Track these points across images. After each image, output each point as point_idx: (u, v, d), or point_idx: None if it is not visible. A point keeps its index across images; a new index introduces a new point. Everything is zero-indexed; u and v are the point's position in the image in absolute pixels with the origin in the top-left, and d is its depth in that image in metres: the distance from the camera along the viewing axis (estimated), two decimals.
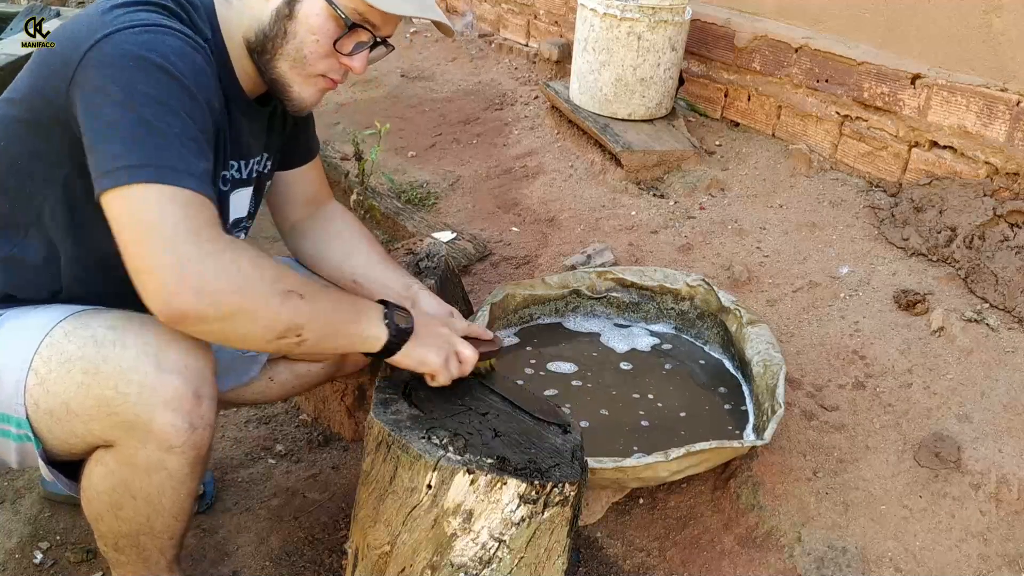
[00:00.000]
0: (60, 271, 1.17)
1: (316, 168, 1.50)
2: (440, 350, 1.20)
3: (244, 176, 1.29)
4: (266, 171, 1.36)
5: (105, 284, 1.17)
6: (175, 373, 1.06)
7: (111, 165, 0.97)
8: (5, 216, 1.15)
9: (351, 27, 1.13)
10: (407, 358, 1.17)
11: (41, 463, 1.13)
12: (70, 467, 1.17)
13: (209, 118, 1.07)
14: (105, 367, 1.05)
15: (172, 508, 1.15)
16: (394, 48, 1.24)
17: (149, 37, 1.01)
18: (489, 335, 1.33)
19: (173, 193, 0.97)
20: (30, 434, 1.10)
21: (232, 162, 1.25)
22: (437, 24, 1.23)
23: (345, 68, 1.19)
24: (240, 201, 1.31)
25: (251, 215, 1.37)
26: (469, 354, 1.23)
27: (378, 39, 1.18)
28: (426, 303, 1.39)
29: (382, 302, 1.18)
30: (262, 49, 1.15)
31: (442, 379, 1.21)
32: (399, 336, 1.15)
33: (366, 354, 1.16)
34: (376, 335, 1.14)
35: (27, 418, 1.08)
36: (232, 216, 1.31)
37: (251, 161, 1.30)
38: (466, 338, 1.26)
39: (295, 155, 1.45)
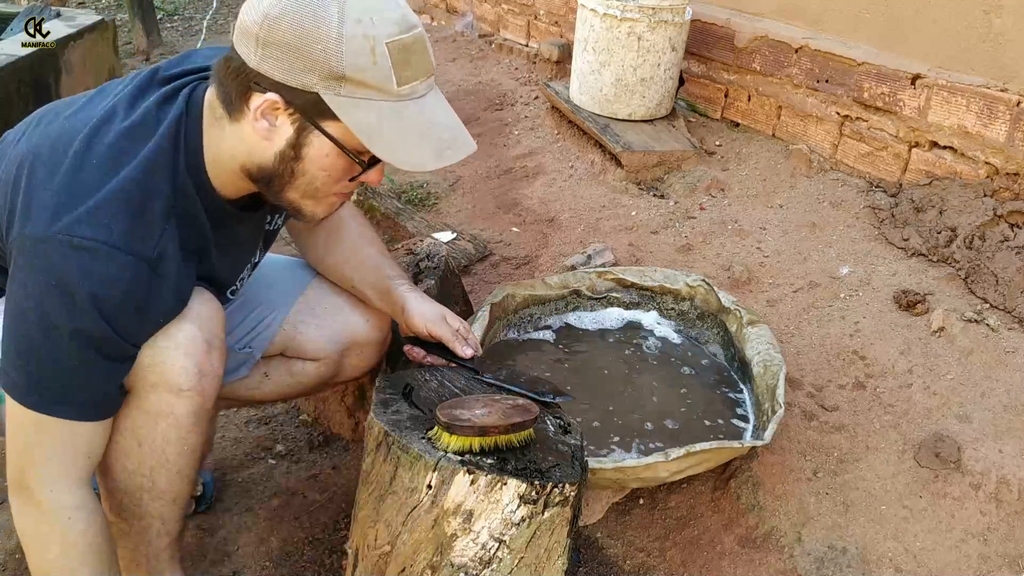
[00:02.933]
0: None
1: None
2: None
3: (258, 258, 1.34)
4: (276, 226, 1.39)
5: None
6: (187, 320, 1.11)
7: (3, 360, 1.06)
8: None
9: (368, 166, 1.09)
10: None
11: None
12: None
13: (125, 338, 1.06)
14: None
15: (176, 462, 1.17)
16: None
17: (79, 265, 0.99)
18: (532, 407, 1.12)
19: (39, 420, 1.05)
20: None
21: (241, 276, 1.30)
22: None
23: (359, 184, 1.16)
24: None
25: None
26: None
27: None
28: (413, 306, 1.38)
29: None
30: (267, 183, 1.11)
31: None
32: None
33: None
34: None
35: None
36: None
37: (257, 254, 1.34)
38: (498, 411, 1.10)
39: None
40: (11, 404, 1.05)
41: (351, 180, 1.12)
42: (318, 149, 1.05)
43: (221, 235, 1.18)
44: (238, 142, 1.08)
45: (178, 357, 1.09)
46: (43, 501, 1.08)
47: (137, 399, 1.13)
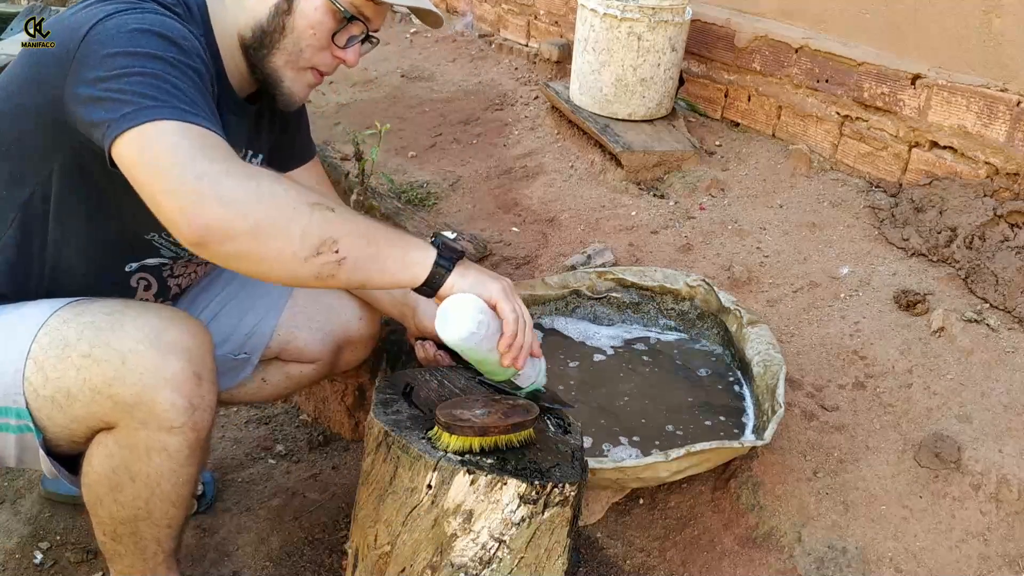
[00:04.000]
0: (44, 261, 1.18)
1: (315, 171, 1.50)
2: (496, 280, 1.10)
3: None
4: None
5: (87, 273, 1.19)
6: (175, 354, 1.07)
7: (119, 113, 0.94)
8: None
9: (349, 19, 1.16)
10: (463, 279, 1.07)
11: (42, 455, 1.13)
12: (71, 462, 1.17)
13: (210, 87, 1.08)
14: (105, 350, 1.06)
15: (171, 493, 1.15)
16: (379, 41, 1.27)
17: (149, 16, 1.03)
18: (532, 407, 1.14)
19: (184, 127, 0.95)
20: (30, 424, 1.10)
21: None
22: (425, 16, 1.25)
23: (338, 61, 1.21)
24: None
25: None
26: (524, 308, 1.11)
27: (369, 32, 1.21)
28: (426, 307, 1.40)
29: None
30: (259, 44, 1.17)
31: (507, 311, 1.09)
32: (449, 254, 1.06)
33: (416, 290, 1.06)
34: (422, 256, 1.05)
35: (27, 407, 1.09)
36: None
37: None
38: (498, 411, 1.11)
39: (290, 157, 1.46)
40: (144, 135, 0.94)
41: (332, 54, 1.19)
42: (308, 1, 1.14)
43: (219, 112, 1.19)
44: (237, 9, 1.17)
45: (166, 394, 1.06)
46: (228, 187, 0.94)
47: (126, 437, 1.09)
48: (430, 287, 1.07)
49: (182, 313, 1.15)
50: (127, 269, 1.26)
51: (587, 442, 1.53)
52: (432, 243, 1.08)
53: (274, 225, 0.95)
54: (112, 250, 1.22)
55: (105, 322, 1.09)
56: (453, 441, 1.05)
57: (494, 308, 1.11)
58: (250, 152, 1.35)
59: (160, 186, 0.93)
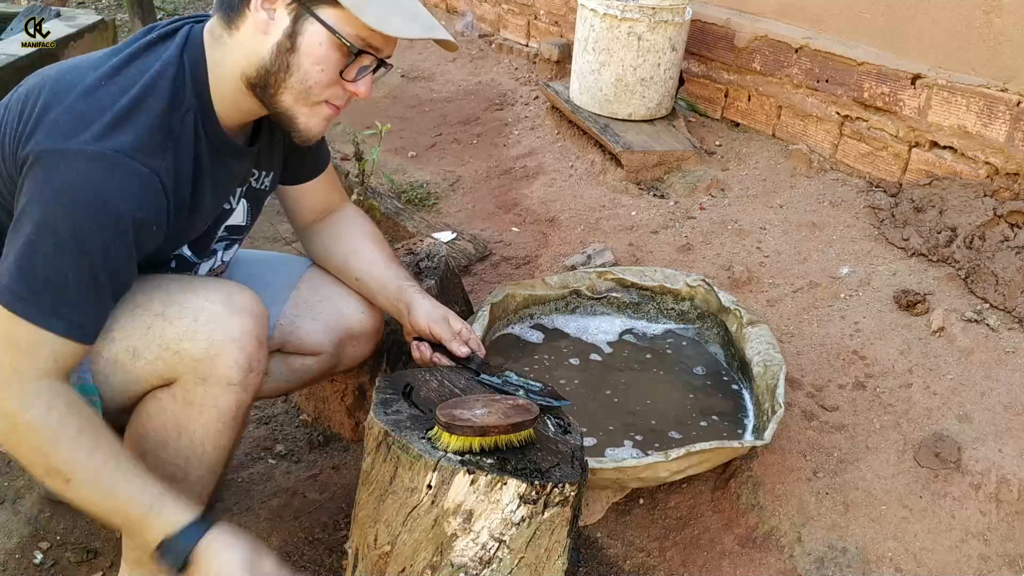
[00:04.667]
0: None
1: (326, 179, 1.52)
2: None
3: (235, 205, 1.33)
4: (263, 187, 1.38)
5: None
6: (243, 315, 1.14)
7: (2, 278, 1.03)
8: None
9: (357, 54, 1.13)
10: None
11: None
12: None
13: (130, 253, 1.09)
14: (178, 308, 1.12)
15: (211, 456, 1.19)
16: (393, 66, 1.24)
17: (97, 174, 1.03)
18: (532, 407, 1.12)
19: (27, 330, 1.02)
20: (96, 398, 1.14)
21: (229, 198, 1.29)
22: (440, 42, 1.23)
23: (350, 94, 1.18)
24: (236, 215, 1.35)
25: (248, 225, 1.40)
26: None
27: (380, 61, 1.18)
28: (420, 305, 1.42)
29: (202, 517, 1.08)
30: (264, 84, 1.14)
31: None
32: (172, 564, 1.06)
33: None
34: (151, 539, 1.06)
35: (91, 380, 1.13)
36: (229, 223, 1.34)
37: (241, 189, 1.32)
38: (498, 411, 1.09)
39: (301, 171, 1.47)
40: None
41: (343, 88, 1.16)
42: (312, 36, 1.10)
43: (215, 166, 1.20)
44: (238, 50, 1.14)
45: (233, 351, 1.13)
46: (16, 411, 1.03)
47: (183, 391, 1.14)
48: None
49: (242, 285, 1.21)
50: None
51: (587, 442, 1.53)
52: (157, 548, 1.06)
53: (18, 458, 1.06)
54: None
55: (174, 287, 1.15)
56: (453, 441, 1.05)
57: None
58: (262, 173, 1.36)
59: None
